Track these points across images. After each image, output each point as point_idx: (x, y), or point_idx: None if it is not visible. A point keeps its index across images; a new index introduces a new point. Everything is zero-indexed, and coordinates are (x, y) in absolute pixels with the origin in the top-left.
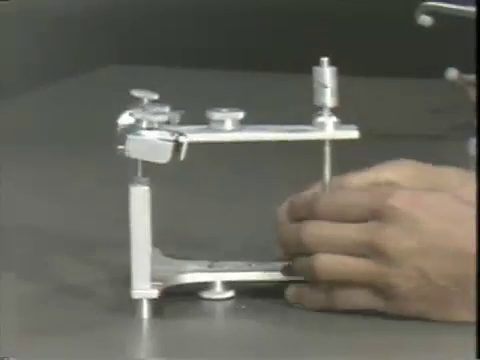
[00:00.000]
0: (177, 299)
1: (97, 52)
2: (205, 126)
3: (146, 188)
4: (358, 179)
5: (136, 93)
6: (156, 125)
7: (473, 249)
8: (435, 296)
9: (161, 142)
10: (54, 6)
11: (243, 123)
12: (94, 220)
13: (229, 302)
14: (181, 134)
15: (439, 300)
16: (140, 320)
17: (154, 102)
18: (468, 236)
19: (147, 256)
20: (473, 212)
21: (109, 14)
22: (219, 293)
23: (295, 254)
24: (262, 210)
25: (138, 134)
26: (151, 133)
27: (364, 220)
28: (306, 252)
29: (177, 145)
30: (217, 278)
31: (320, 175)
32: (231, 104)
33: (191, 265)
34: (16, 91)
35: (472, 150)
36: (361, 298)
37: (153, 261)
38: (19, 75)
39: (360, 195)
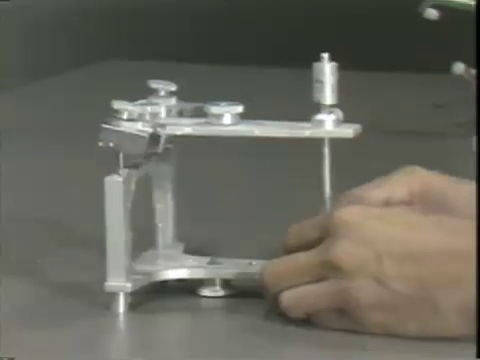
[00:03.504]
0: (169, 295)
1: (96, 47)
2: (203, 120)
3: (120, 179)
4: (372, 197)
5: (153, 84)
6: (147, 117)
7: (433, 248)
8: (399, 306)
9: (136, 133)
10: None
11: (243, 117)
12: (94, 215)
13: (220, 300)
14: (162, 127)
15: (406, 311)
16: (116, 315)
17: (171, 93)
18: (424, 238)
19: (122, 249)
20: (426, 219)
21: (108, 9)
22: (215, 291)
23: (270, 296)
24: (264, 207)
25: (113, 124)
26: (129, 124)
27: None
28: (272, 292)
29: (155, 138)
30: (199, 275)
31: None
32: (231, 99)
33: (192, 261)
34: (12, 85)
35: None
36: (332, 321)
37: (158, 256)
38: (14, 69)
39: (317, 218)
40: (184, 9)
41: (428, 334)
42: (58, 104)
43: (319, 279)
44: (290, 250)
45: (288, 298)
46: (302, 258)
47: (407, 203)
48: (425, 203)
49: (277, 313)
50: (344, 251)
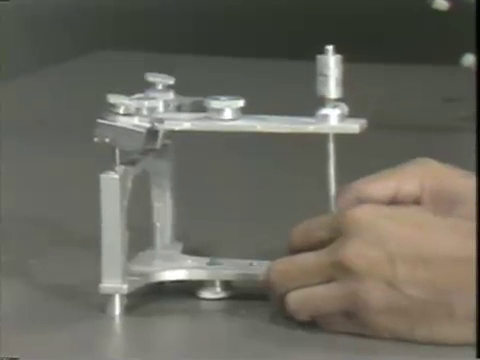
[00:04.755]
0: (166, 297)
1: (90, 37)
2: (202, 114)
3: (116, 176)
4: (378, 190)
5: (150, 77)
6: (145, 111)
7: (449, 252)
8: (411, 310)
9: (133, 128)
10: None
11: (245, 112)
12: (93, 215)
13: (220, 302)
14: (159, 121)
15: (418, 315)
16: (111, 317)
17: (169, 87)
18: (439, 241)
19: (118, 249)
20: (441, 221)
21: (109, 7)
22: (215, 293)
23: (276, 297)
24: (264, 206)
25: (109, 119)
26: (126, 119)
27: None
28: (278, 292)
29: (153, 133)
30: (199, 276)
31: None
32: (232, 92)
33: (191, 262)
34: (7, 76)
35: None
36: (339, 323)
37: (155, 256)
38: (9, 61)
39: (326, 218)
40: (184, 7)
41: (437, 340)
42: (56, 96)
43: (328, 280)
44: (296, 252)
45: (295, 299)
46: (311, 258)
47: (417, 197)
48: (437, 202)
49: (282, 315)
50: (355, 252)
